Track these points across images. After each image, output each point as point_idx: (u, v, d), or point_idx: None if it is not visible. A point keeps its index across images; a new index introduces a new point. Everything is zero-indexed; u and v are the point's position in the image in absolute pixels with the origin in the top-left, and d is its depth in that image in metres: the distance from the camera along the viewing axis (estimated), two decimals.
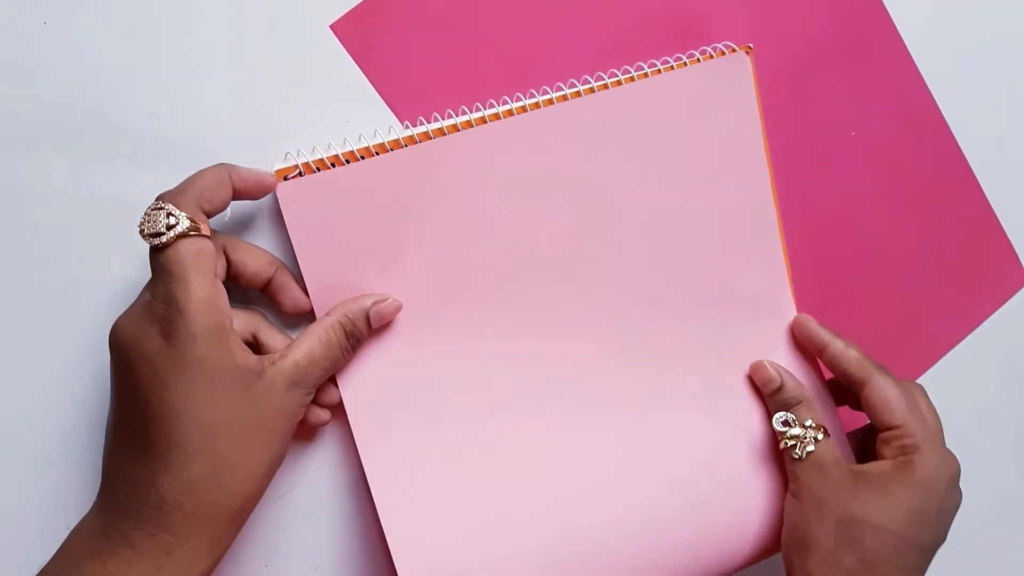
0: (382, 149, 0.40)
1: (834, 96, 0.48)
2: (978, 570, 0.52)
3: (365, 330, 0.38)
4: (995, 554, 0.52)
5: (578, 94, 0.42)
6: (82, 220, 0.40)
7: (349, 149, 0.40)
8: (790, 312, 0.46)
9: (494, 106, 0.42)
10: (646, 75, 0.43)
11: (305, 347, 0.36)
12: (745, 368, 0.45)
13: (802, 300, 0.47)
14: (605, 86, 0.43)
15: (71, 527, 0.34)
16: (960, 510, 0.41)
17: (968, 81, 0.50)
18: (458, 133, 0.41)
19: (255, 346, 0.38)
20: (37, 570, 0.33)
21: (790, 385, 0.43)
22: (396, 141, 0.40)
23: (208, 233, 0.34)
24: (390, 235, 0.40)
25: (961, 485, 0.41)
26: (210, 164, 0.36)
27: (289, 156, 0.40)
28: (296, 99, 0.41)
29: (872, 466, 0.40)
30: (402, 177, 0.40)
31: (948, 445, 0.40)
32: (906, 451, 0.40)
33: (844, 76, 0.48)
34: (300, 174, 0.39)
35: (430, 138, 0.40)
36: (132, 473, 0.32)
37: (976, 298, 0.51)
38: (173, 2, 0.40)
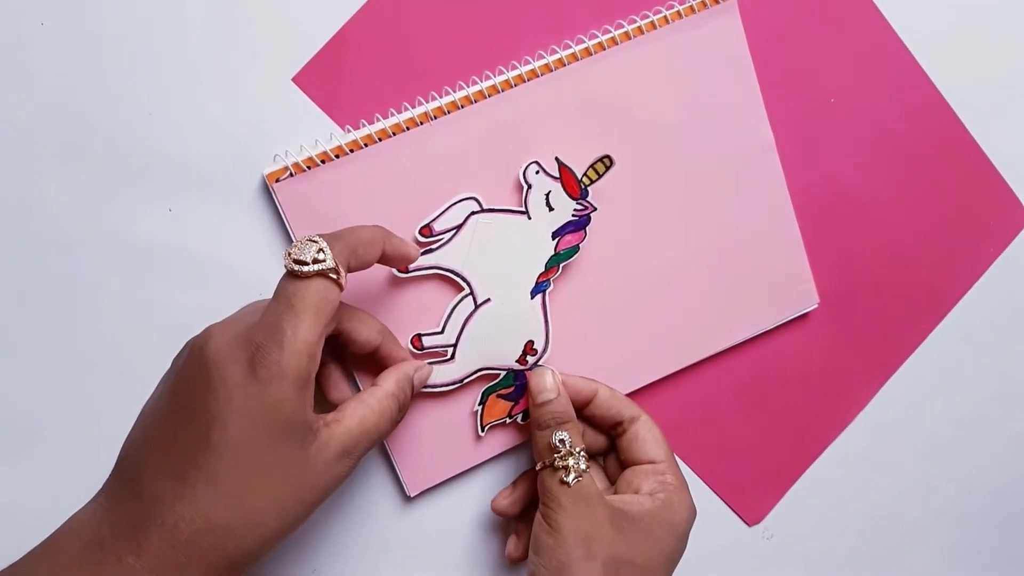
0: (370, 140, 0.40)
1: (808, 65, 0.46)
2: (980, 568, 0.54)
3: (411, 398, 0.38)
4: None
5: (561, 62, 0.42)
6: (77, 217, 0.41)
7: (337, 144, 0.40)
8: (800, 250, 0.47)
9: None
10: (640, 29, 0.42)
11: (359, 415, 0.34)
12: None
13: (813, 274, 0.47)
14: (587, 52, 0.42)
15: None
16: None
17: (939, 24, 0.48)
18: (446, 116, 0.41)
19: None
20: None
21: (563, 401, 0.40)
22: (383, 130, 0.40)
23: (343, 286, 0.33)
24: (383, 216, 0.40)
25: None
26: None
27: (278, 158, 0.40)
28: (268, 152, 0.41)
29: (632, 504, 0.38)
30: (394, 161, 0.41)
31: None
32: (666, 488, 0.39)
33: (816, 44, 0.46)
34: (291, 175, 0.40)
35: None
36: (154, 484, 0.30)
37: (981, 243, 0.50)
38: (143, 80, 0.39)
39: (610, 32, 0.42)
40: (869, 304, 0.49)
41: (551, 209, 0.41)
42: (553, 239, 0.42)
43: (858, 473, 0.50)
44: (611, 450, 0.43)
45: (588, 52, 0.42)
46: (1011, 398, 0.52)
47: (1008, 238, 0.51)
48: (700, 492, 0.48)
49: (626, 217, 0.43)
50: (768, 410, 0.48)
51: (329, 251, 0.32)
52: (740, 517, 0.49)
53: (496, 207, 0.41)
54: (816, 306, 0.47)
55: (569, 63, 0.42)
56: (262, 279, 0.41)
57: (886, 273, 0.49)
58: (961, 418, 0.52)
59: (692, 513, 0.39)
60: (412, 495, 0.44)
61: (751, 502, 0.49)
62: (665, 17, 0.42)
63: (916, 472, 0.52)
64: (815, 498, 0.50)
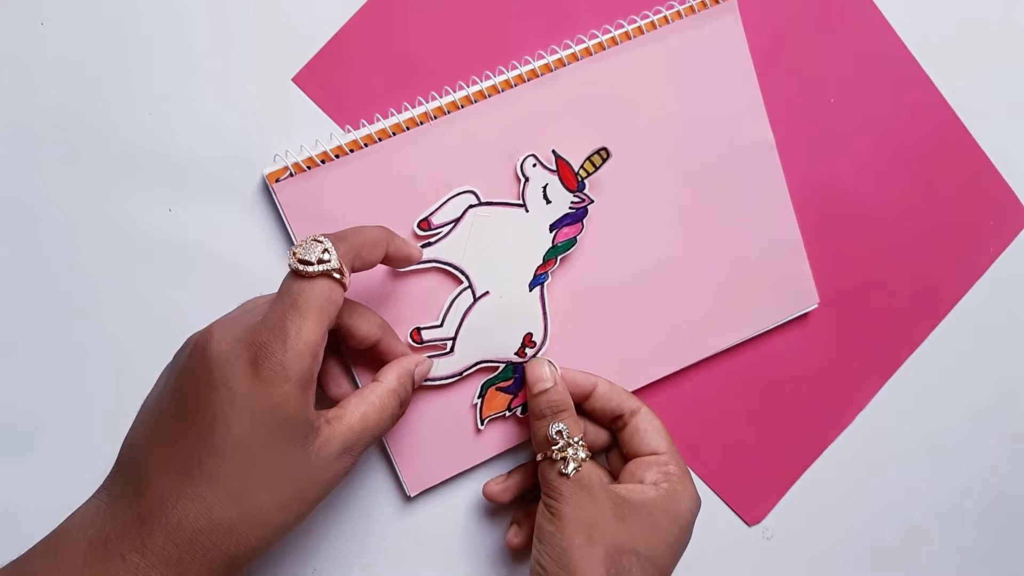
0: (370, 140, 0.40)
1: (808, 65, 0.46)
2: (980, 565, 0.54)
3: (411, 393, 0.38)
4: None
5: (561, 62, 0.42)
6: (78, 216, 0.41)
7: (337, 144, 0.40)
8: (800, 250, 0.46)
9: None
10: (640, 29, 0.42)
11: (360, 412, 0.34)
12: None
13: (813, 274, 0.47)
14: (587, 52, 0.42)
15: None
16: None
17: (939, 24, 0.48)
18: (446, 116, 0.41)
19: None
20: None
21: (560, 390, 0.40)
22: (383, 130, 0.40)
23: (347, 286, 0.33)
24: (383, 216, 0.41)
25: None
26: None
27: (278, 158, 0.40)
28: (268, 152, 0.41)
29: (635, 492, 0.38)
30: (394, 161, 0.41)
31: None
32: (669, 478, 0.39)
33: (816, 44, 0.46)
34: (291, 175, 0.40)
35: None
36: (157, 483, 0.30)
37: (981, 243, 0.50)
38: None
39: (610, 32, 0.42)
40: (869, 304, 0.49)
41: (548, 202, 0.42)
42: (551, 231, 0.42)
43: (858, 473, 0.50)
44: (613, 445, 0.43)
45: (588, 52, 0.42)
46: (1011, 399, 0.52)
47: (1008, 238, 0.51)
48: (700, 492, 0.47)
49: (626, 217, 0.44)
50: (768, 410, 0.48)
51: (334, 251, 0.32)
52: (740, 517, 0.49)
53: (494, 200, 0.41)
54: (816, 306, 0.47)
55: (569, 63, 0.42)
56: (262, 279, 0.41)
57: (886, 273, 0.49)
58: (961, 418, 0.52)
59: (696, 503, 0.39)
60: (412, 495, 0.44)
61: (751, 502, 0.49)
62: (665, 17, 0.42)
63: (916, 472, 0.52)
64: (815, 498, 0.50)
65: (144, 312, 0.41)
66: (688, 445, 0.47)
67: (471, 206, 0.41)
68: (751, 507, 0.49)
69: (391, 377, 0.37)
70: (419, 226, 0.41)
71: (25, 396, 0.41)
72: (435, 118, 0.40)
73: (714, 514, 0.49)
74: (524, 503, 0.44)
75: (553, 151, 0.41)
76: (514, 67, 0.41)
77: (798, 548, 0.50)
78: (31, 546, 0.31)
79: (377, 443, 0.43)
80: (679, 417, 0.47)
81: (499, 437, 0.44)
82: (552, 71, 0.41)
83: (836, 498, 0.50)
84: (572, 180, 0.41)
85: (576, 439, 0.38)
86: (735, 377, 0.48)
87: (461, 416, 0.43)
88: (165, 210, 0.41)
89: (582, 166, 0.41)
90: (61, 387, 0.41)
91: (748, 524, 0.50)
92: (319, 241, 0.32)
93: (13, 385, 0.41)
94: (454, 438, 0.43)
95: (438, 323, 0.42)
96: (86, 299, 0.41)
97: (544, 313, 0.43)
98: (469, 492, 0.45)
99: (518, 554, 0.45)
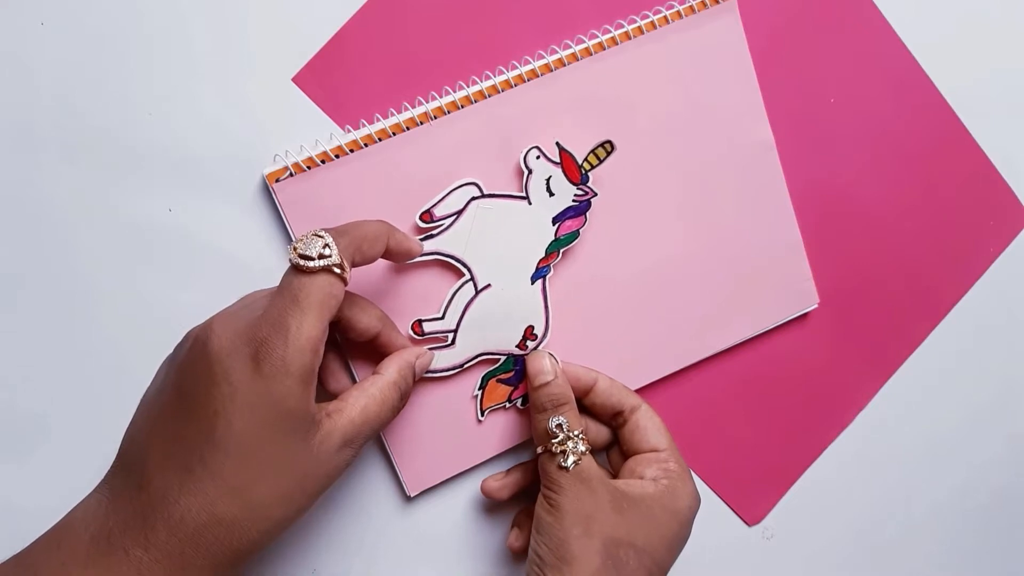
0: (370, 140, 0.40)
1: (808, 65, 0.46)
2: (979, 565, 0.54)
3: (412, 385, 0.38)
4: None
5: (561, 62, 0.42)
6: (78, 217, 0.41)
7: (337, 144, 0.40)
8: (800, 250, 0.46)
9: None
10: (640, 29, 0.42)
11: (360, 405, 0.34)
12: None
13: (813, 274, 0.47)
14: (587, 52, 0.42)
15: None
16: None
17: (939, 24, 0.48)
18: (447, 115, 0.41)
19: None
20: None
21: (561, 383, 0.40)
22: (383, 130, 0.40)
23: (347, 281, 0.33)
24: (383, 216, 0.41)
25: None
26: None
27: (278, 158, 0.40)
28: (268, 152, 0.41)
29: (634, 487, 0.38)
30: (394, 161, 0.41)
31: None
32: (669, 475, 0.39)
33: (816, 44, 0.46)
34: (291, 175, 0.40)
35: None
36: (159, 478, 0.30)
37: (981, 243, 0.51)
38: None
39: (610, 32, 0.42)
40: (869, 304, 0.49)
41: (552, 194, 0.42)
42: (553, 224, 0.42)
43: (858, 473, 0.50)
44: (614, 443, 0.43)
45: (588, 52, 0.42)
46: (1011, 398, 0.52)
47: (1008, 238, 0.51)
48: (700, 492, 0.47)
49: (626, 217, 0.44)
50: (768, 410, 0.48)
51: (335, 246, 0.32)
52: (740, 517, 0.49)
53: (497, 192, 0.41)
54: (816, 306, 0.47)
55: (569, 63, 0.42)
56: (263, 279, 0.41)
57: (886, 273, 0.49)
58: (961, 418, 0.52)
59: (695, 500, 0.39)
60: (412, 495, 0.44)
61: (751, 502, 0.49)
62: (665, 17, 0.42)
63: (916, 472, 0.52)
64: (815, 498, 0.50)
65: (144, 312, 0.41)
66: (688, 445, 0.47)
67: (474, 198, 0.41)
68: (751, 507, 0.49)
69: (392, 369, 0.37)
70: (421, 218, 0.41)
71: (25, 396, 0.41)
72: (435, 118, 0.40)
73: (714, 514, 0.49)
74: (525, 505, 0.44)
75: (557, 143, 0.41)
76: (514, 67, 0.41)
77: (798, 548, 0.50)
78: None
79: (377, 442, 0.43)
80: (679, 417, 0.47)
81: (500, 436, 0.44)
82: (552, 71, 0.41)
83: (836, 498, 0.50)
84: (576, 172, 0.41)
85: (576, 432, 0.38)
86: (735, 377, 0.48)
87: (461, 412, 0.43)
88: (165, 210, 0.41)
89: (586, 158, 0.41)
90: (61, 387, 0.41)
91: (748, 524, 0.50)
92: (320, 236, 0.32)
93: (13, 385, 0.41)
94: (454, 435, 0.43)
95: (439, 315, 0.42)
96: (86, 299, 0.41)
97: (546, 306, 0.43)
98: (469, 492, 0.45)
99: (519, 556, 0.45)
